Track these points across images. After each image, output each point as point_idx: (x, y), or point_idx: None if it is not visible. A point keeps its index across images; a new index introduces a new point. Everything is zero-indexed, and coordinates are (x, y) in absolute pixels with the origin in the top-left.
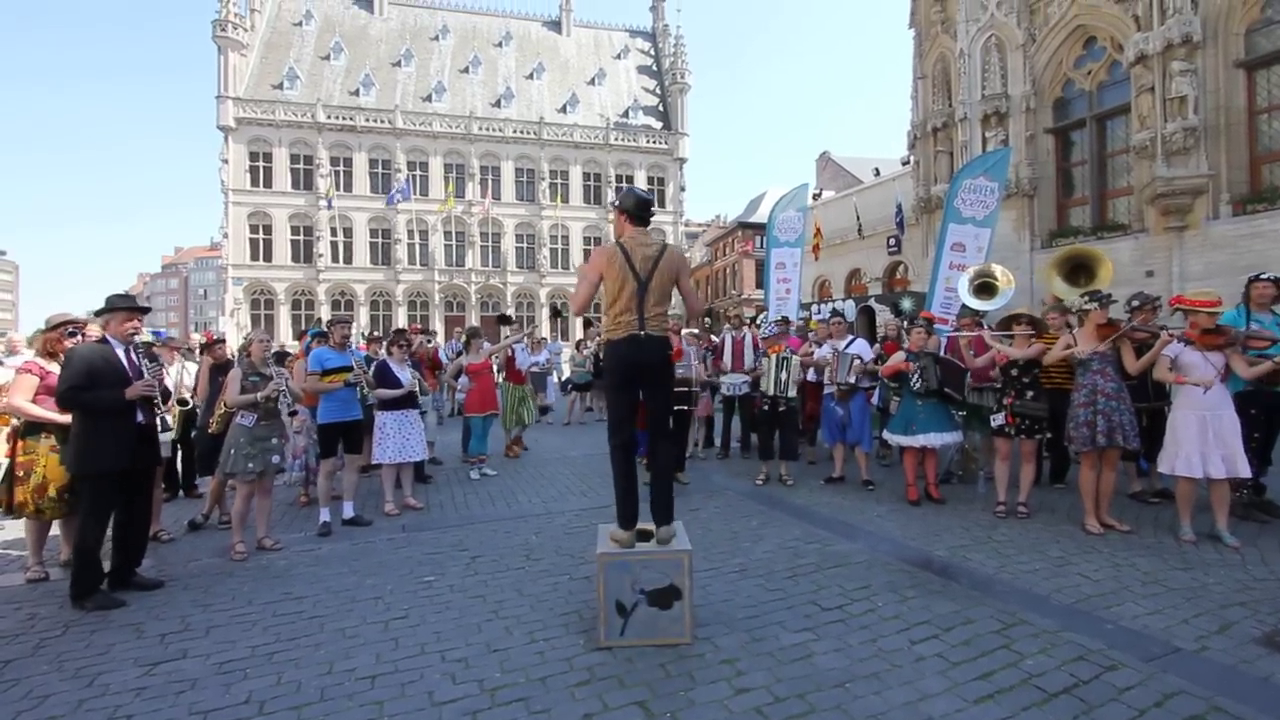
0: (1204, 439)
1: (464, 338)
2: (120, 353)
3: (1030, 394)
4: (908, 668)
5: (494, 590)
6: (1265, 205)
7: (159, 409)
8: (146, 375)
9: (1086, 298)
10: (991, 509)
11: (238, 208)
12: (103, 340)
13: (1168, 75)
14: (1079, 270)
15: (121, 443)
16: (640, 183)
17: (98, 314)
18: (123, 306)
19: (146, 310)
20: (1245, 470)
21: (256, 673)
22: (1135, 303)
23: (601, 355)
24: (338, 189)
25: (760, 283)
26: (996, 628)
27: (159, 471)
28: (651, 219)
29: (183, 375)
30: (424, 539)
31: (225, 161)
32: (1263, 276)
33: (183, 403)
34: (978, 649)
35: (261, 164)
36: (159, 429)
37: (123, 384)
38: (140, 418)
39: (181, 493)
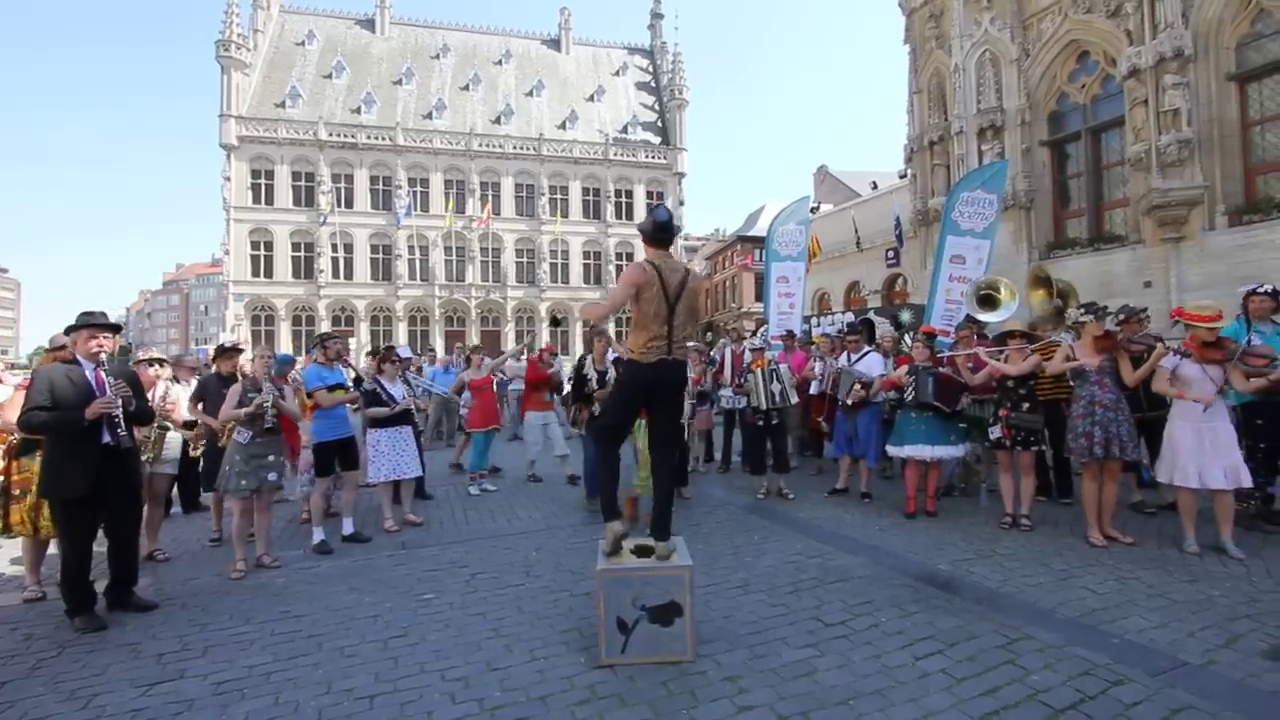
0: (1201, 450)
1: (465, 354)
2: (89, 373)
3: (1025, 405)
4: (912, 684)
5: (494, 607)
6: (1261, 216)
7: (120, 429)
8: (110, 394)
9: (1083, 310)
10: (994, 522)
11: (239, 224)
12: (72, 360)
13: (1160, 88)
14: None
15: (83, 466)
16: (639, 198)
17: (66, 332)
18: (86, 324)
19: (116, 328)
20: (1247, 479)
21: (254, 693)
22: (1120, 315)
23: (622, 370)
24: (339, 206)
25: (760, 296)
26: (1001, 642)
27: (142, 492)
28: (672, 239)
29: (179, 395)
30: (423, 556)
31: (227, 179)
32: (1259, 290)
33: (190, 425)
34: (982, 664)
35: (263, 181)
36: (136, 448)
37: (85, 406)
38: (107, 438)
39: (180, 509)
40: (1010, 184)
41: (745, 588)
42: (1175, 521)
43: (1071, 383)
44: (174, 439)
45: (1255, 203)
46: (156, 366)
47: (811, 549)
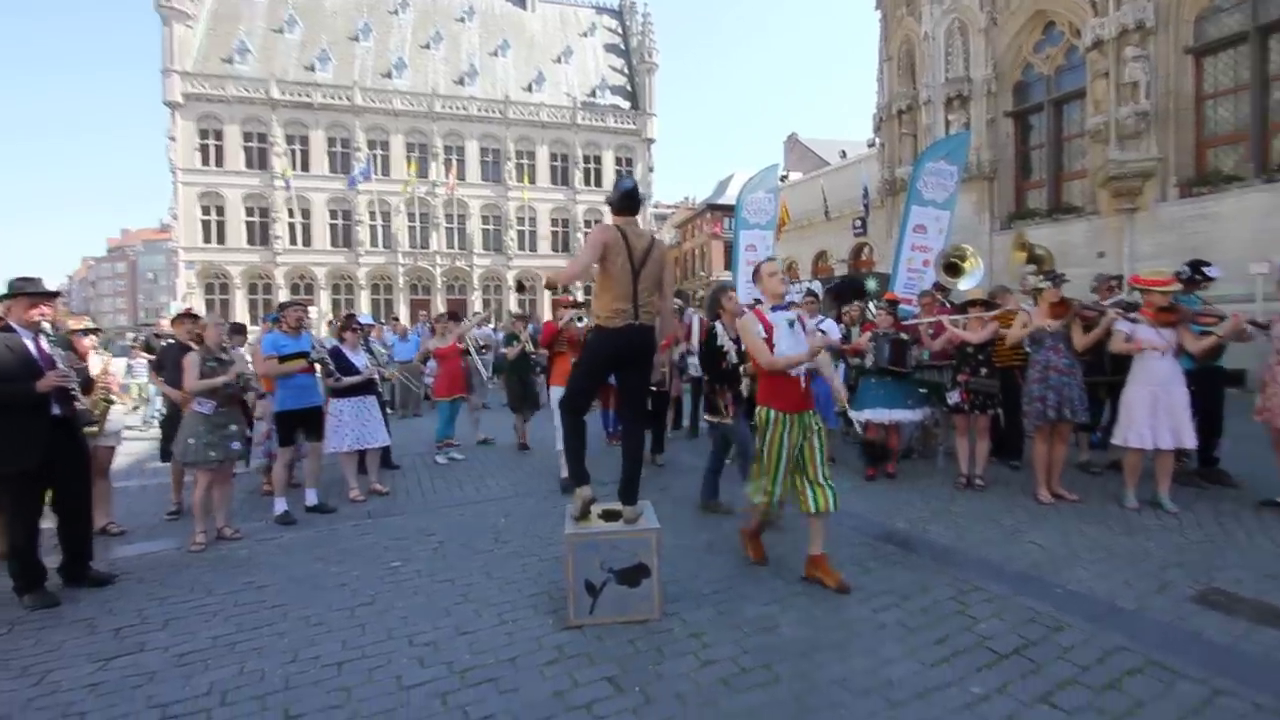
0: (1154, 413)
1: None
2: (29, 342)
3: (983, 371)
4: (869, 636)
5: (462, 574)
6: (1210, 188)
7: (79, 401)
8: (60, 366)
9: (1041, 277)
10: (950, 482)
11: (188, 188)
12: (6, 328)
13: (1121, 60)
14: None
15: (32, 439)
16: (608, 164)
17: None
18: (27, 291)
19: (54, 295)
20: (1190, 441)
21: (218, 663)
22: (1094, 283)
23: (589, 337)
24: (294, 169)
25: (729, 264)
26: (953, 595)
27: (91, 464)
28: (639, 207)
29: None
30: (390, 525)
31: (173, 139)
32: (1205, 276)
33: (108, 401)
34: (935, 615)
35: (212, 142)
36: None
37: (31, 376)
38: (56, 410)
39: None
40: (975, 154)
41: (711, 548)
42: (1118, 480)
43: (1028, 349)
44: (115, 411)
45: (1205, 175)
46: (92, 337)
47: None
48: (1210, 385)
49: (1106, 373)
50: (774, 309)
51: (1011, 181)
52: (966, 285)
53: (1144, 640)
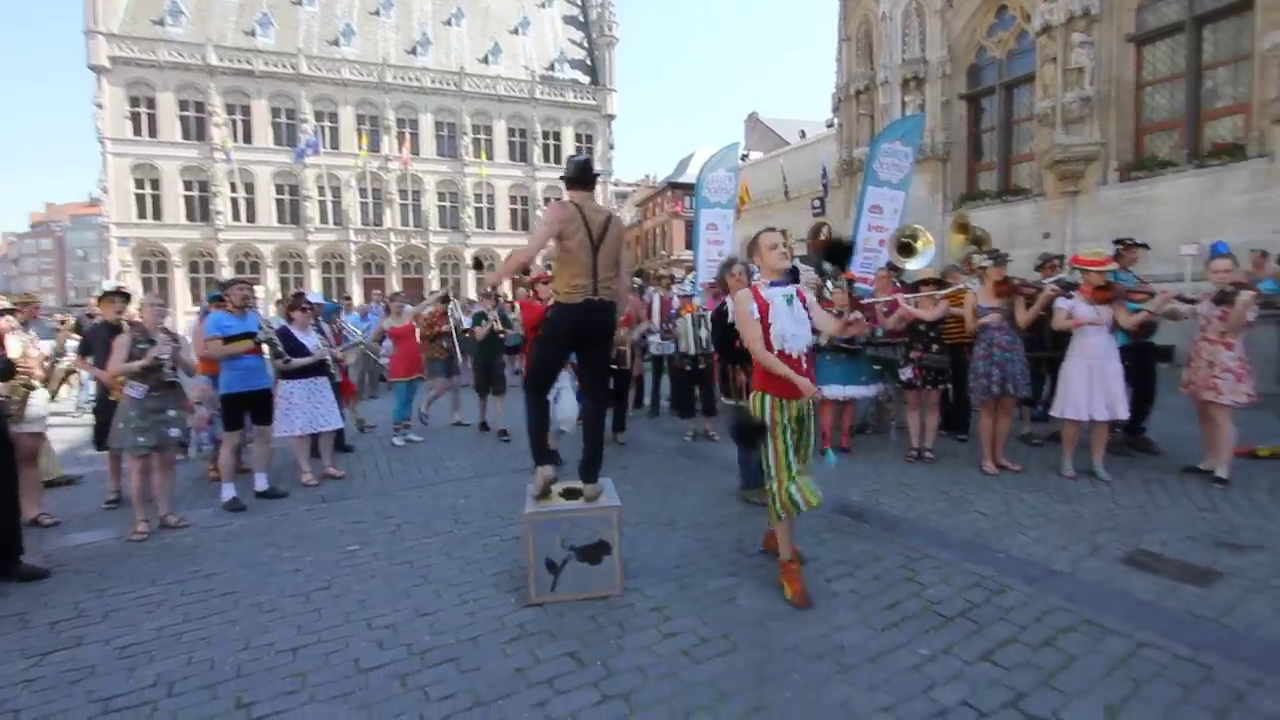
0: (1091, 386)
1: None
2: None
3: (935, 347)
4: (823, 603)
5: (421, 555)
6: (1146, 173)
7: None
8: None
9: (985, 256)
10: (902, 455)
11: (118, 159)
12: None
13: (1069, 46)
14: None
15: None
16: (568, 140)
17: None
18: None
19: None
20: (1124, 413)
21: (164, 654)
22: (1038, 261)
23: (550, 314)
24: (236, 140)
25: (690, 243)
26: (903, 562)
27: (15, 453)
28: (595, 181)
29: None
30: (345, 508)
31: (100, 106)
32: (1131, 242)
33: (29, 386)
34: (886, 583)
35: (144, 110)
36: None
37: None
38: None
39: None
40: (930, 136)
41: (671, 525)
42: (1057, 450)
43: (973, 327)
44: (38, 396)
45: (1143, 160)
46: (7, 317)
47: (734, 486)
48: (1143, 360)
49: (1047, 348)
50: (771, 284)
51: (964, 163)
52: (917, 265)
53: (1078, 600)
